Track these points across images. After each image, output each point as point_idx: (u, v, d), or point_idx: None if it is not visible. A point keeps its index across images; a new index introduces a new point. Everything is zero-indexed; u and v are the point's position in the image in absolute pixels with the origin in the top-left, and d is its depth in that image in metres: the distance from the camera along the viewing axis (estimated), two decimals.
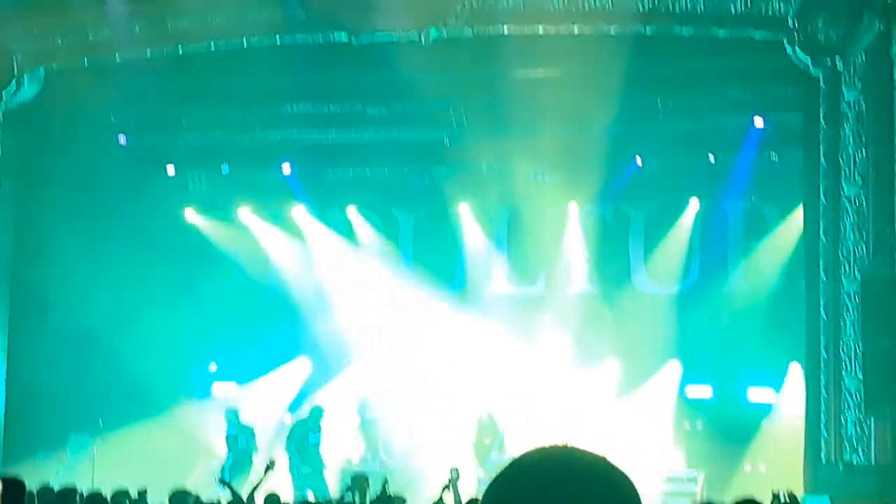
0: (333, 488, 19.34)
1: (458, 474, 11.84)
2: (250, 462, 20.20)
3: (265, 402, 22.46)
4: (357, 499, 13.21)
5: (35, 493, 12.69)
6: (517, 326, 21.75)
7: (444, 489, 11.52)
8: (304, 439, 20.27)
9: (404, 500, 11.79)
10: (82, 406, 20.44)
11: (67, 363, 20.81)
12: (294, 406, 22.49)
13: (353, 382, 22.28)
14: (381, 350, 22.47)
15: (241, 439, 20.56)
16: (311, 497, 16.45)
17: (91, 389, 20.59)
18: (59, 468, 20.54)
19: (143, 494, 13.90)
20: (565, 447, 2.23)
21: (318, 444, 20.23)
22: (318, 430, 20.37)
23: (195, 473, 20.41)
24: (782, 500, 10.11)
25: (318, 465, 20.11)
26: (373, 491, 12.77)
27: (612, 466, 2.20)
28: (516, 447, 18.95)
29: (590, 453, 2.20)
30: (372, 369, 22.35)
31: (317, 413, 20.60)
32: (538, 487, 2.15)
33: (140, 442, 20.58)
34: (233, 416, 20.75)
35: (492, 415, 20.19)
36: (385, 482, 12.92)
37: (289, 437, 20.61)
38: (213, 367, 22.53)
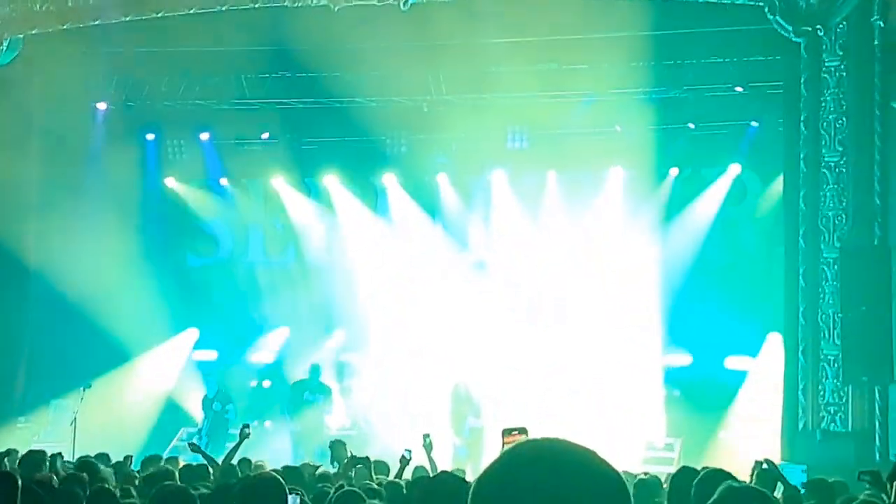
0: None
1: (430, 440, 11.84)
2: (226, 425, 20.14)
3: (243, 368, 22.45)
4: (336, 465, 13.20)
5: (20, 457, 12.66)
6: (500, 295, 21.77)
7: (403, 463, 11.52)
8: (298, 397, 20.17)
9: (368, 459, 11.74)
10: (64, 373, 20.39)
11: (48, 330, 20.79)
12: (272, 373, 22.50)
13: (334, 350, 22.24)
14: (363, 319, 22.43)
15: (216, 403, 20.48)
16: (306, 458, 16.33)
17: (73, 356, 20.54)
18: (38, 433, 20.58)
19: (127, 459, 13.91)
20: (556, 440, 2.30)
21: (313, 403, 20.09)
22: (317, 388, 20.28)
23: (176, 439, 20.46)
24: (764, 467, 10.13)
25: (310, 424, 19.97)
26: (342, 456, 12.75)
27: (600, 459, 2.28)
28: (497, 417, 18.98)
29: (579, 446, 2.29)
30: (354, 338, 22.32)
31: (314, 371, 20.49)
32: (529, 481, 2.21)
33: (121, 408, 20.62)
34: (210, 380, 20.70)
35: (467, 384, 20.17)
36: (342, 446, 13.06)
37: (285, 397, 20.54)
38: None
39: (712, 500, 5.30)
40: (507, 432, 5.08)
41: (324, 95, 20.92)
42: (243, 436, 12.97)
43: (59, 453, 12.71)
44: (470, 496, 2.26)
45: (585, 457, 2.28)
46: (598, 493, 2.23)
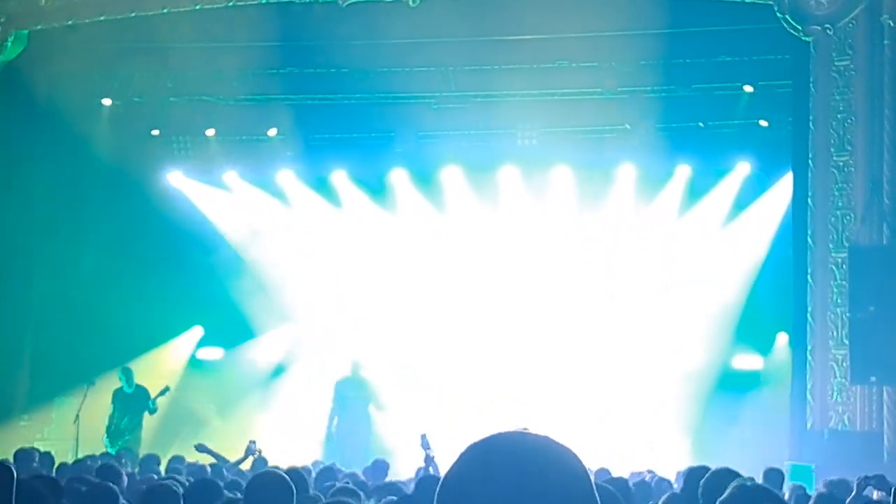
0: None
1: (427, 440, 11.85)
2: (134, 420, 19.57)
3: (250, 366, 22.40)
4: None
5: (14, 455, 12.66)
6: (508, 291, 21.74)
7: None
8: (342, 396, 20.16)
9: None
10: (67, 371, 20.34)
11: (51, 328, 20.74)
12: (279, 371, 22.46)
13: (341, 348, 22.16)
14: (370, 317, 22.37)
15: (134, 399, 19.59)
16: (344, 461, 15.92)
17: (76, 354, 20.48)
18: (43, 432, 20.56)
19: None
20: (514, 431, 2.33)
21: (356, 399, 20.01)
22: (359, 384, 20.20)
23: (179, 437, 20.39)
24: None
25: (356, 421, 19.88)
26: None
27: (558, 445, 2.30)
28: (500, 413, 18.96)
29: (536, 435, 2.32)
30: (361, 335, 22.25)
31: (355, 368, 20.42)
32: (486, 472, 2.25)
33: None
34: (128, 374, 19.77)
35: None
36: None
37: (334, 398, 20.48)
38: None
39: (722, 498, 5.23)
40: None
41: (331, 91, 20.86)
42: (249, 451, 12.96)
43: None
44: (436, 495, 2.29)
45: (543, 445, 2.30)
46: (558, 478, 2.26)
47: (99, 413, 19.18)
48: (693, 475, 7.40)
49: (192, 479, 9.18)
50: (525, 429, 2.35)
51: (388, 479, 11.78)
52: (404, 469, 13.75)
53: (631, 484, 10.38)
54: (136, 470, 12.73)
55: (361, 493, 8.24)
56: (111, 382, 19.63)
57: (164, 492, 6.96)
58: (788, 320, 17.58)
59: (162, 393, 18.98)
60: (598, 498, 2.29)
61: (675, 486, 9.99)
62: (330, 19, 18.26)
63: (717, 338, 20.59)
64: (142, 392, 19.24)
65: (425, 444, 11.85)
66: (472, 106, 20.72)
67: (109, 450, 17.75)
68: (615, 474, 11.11)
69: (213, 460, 13.20)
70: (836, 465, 14.33)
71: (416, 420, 17.88)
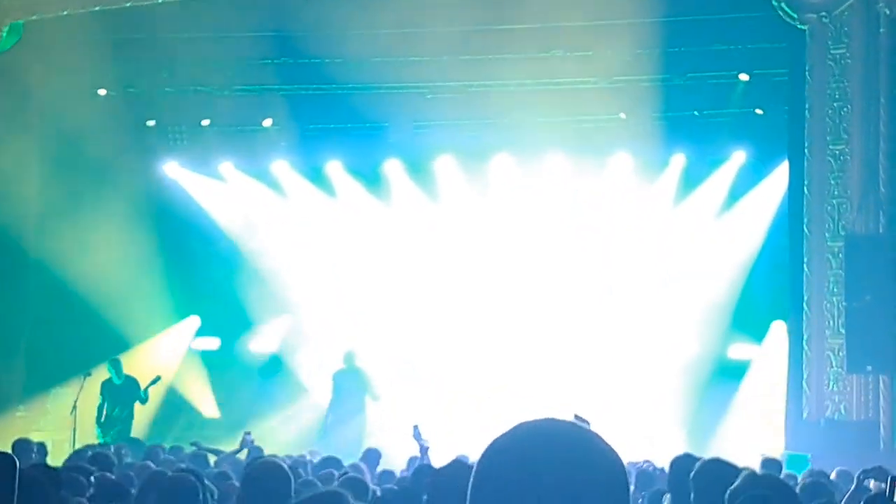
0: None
1: (419, 430, 11.90)
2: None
3: (244, 356, 22.41)
4: None
5: (12, 445, 12.65)
6: (503, 279, 21.74)
7: None
8: (339, 387, 20.11)
9: None
10: (64, 361, 20.33)
11: (47, 319, 20.74)
12: (274, 362, 22.45)
13: (337, 339, 22.15)
14: (366, 309, 22.37)
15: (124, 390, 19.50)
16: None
17: (72, 345, 20.47)
18: (39, 423, 20.56)
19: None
20: (546, 420, 2.27)
21: (351, 389, 19.98)
22: (353, 374, 20.18)
23: (177, 427, 20.43)
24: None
25: (351, 412, 19.90)
26: None
27: (596, 438, 2.27)
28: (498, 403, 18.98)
29: (570, 424, 2.27)
30: (356, 324, 22.25)
31: (348, 358, 20.37)
32: (519, 463, 2.19)
33: None
34: (116, 365, 19.77)
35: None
36: None
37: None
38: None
39: (734, 485, 5.23)
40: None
41: (326, 82, 20.82)
42: (245, 443, 12.96)
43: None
44: (472, 476, 2.25)
45: (588, 438, 2.26)
46: (593, 472, 2.21)
47: (96, 404, 19.16)
48: (679, 464, 7.38)
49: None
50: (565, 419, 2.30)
51: (380, 469, 11.85)
52: (397, 460, 13.75)
53: (633, 473, 10.44)
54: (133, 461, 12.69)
55: (368, 483, 8.25)
56: (107, 373, 19.61)
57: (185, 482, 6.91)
58: (785, 310, 17.59)
59: (153, 382, 18.95)
60: (629, 483, 2.26)
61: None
62: (324, 9, 18.24)
63: (712, 328, 20.59)
64: (131, 382, 19.19)
65: (417, 436, 11.90)
66: (467, 95, 20.68)
67: (103, 440, 17.74)
68: None
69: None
70: (832, 454, 14.36)
71: (415, 414, 17.88)
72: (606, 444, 2.27)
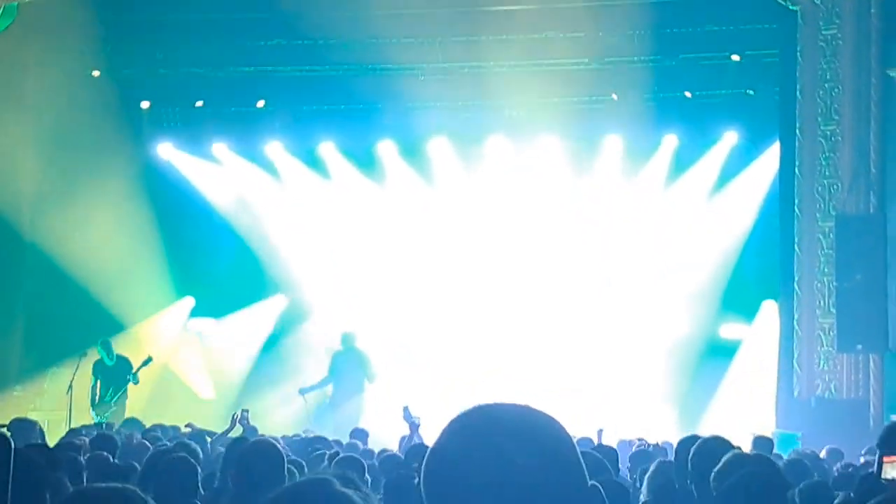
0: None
1: (409, 411, 12.00)
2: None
3: (239, 337, 22.47)
4: None
5: (9, 424, 12.69)
6: (494, 262, 21.80)
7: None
8: (336, 368, 20.19)
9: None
10: (60, 342, 20.39)
11: (44, 299, 20.80)
12: (269, 342, 22.52)
13: (330, 319, 22.21)
14: (361, 293, 22.41)
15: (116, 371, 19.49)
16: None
17: (68, 325, 20.53)
18: (36, 402, 20.63)
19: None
20: (496, 403, 2.33)
21: (349, 371, 20.02)
22: (352, 355, 20.21)
23: (173, 407, 20.47)
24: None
25: (349, 394, 19.97)
26: None
27: (540, 413, 2.32)
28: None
29: (518, 405, 2.32)
30: (351, 307, 22.30)
31: (346, 339, 20.40)
32: (471, 442, 2.26)
33: None
34: (107, 347, 19.56)
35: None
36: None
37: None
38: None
39: (718, 467, 5.30)
40: None
41: (319, 63, 20.84)
42: (240, 420, 13.02)
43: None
44: (423, 467, 2.31)
45: (529, 414, 2.31)
46: (545, 449, 2.26)
47: (89, 384, 19.24)
48: (684, 444, 7.46)
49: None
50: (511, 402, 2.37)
51: (364, 448, 11.99)
52: (391, 443, 13.83)
53: (628, 453, 10.54)
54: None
55: (365, 464, 8.34)
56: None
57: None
58: (775, 289, 17.67)
59: (145, 363, 18.96)
60: (583, 462, 2.31)
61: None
62: None
63: (703, 307, 20.66)
64: (123, 363, 19.21)
65: (407, 416, 12.01)
66: (460, 77, 20.70)
67: (99, 420, 17.81)
68: (605, 444, 11.25)
69: None
70: (822, 432, 14.48)
71: (410, 396, 17.96)
72: (552, 420, 2.32)
